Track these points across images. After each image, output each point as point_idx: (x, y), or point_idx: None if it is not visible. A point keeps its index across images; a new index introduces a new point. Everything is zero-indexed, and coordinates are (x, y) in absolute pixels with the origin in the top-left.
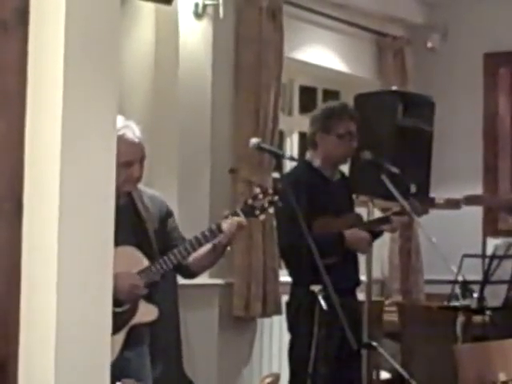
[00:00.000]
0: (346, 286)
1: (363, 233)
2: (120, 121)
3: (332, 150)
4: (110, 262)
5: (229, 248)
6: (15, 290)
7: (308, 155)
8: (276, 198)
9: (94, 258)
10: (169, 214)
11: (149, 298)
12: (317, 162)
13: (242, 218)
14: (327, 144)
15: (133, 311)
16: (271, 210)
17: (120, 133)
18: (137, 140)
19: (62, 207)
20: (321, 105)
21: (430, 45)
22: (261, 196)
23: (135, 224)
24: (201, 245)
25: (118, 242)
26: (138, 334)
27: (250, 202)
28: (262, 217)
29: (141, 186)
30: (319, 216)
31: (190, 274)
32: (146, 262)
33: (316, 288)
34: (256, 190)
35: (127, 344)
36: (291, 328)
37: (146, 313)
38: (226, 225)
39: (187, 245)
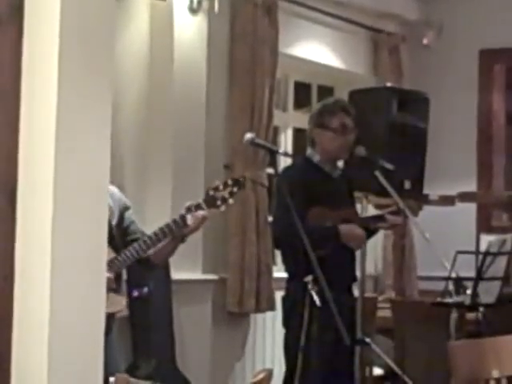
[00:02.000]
0: (342, 283)
1: (359, 229)
2: None
3: (328, 144)
4: (104, 255)
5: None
6: (9, 283)
7: (308, 152)
8: (236, 189)
9: (88, 250)
10: (126, 207)
11: (115, 290)
12: (316, 158)
13: (205, 212)
14: (323, 139)
15: None
16: (231, 201)
17: None
18: None
19: (56, 200)
20: (315, 101)
21: (425, 41)
22: (221, 187)
23: None
24: (165, 236)
25: None
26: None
27: (211, 193)
28: (223, 208)
29: None
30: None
31: (151, 266)
32: (111, 254)
33: (308, 279)
34: (216, 182)
35: None
36: (286, 322)
37: (114, 303)
38: (191, 218)
39: (152, 235)
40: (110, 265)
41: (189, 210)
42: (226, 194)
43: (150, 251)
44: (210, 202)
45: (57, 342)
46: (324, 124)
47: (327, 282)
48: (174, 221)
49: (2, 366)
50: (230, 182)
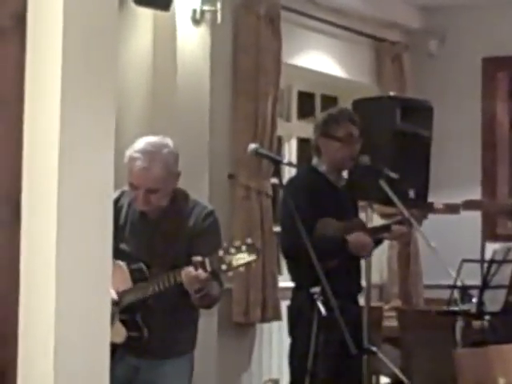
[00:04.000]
0: (348, 292)
1: (366, 238)
2: (151, 141)
3: (334, 153)
4: (109, 266)
5: (201, 293)
6: (14, 295)
7: (314, 161)
8: (247, 257)
9: (92, 261)
10: (202, 233)
11: (128, 321)
12: (322, 168)
13: (201, 272)
14: (329, 148)
15: None
16: (241, 269)
17: (135, 155)
18: (138, 168)
19: (60, 211)
20: (319, 111)
21: (428, 50)
22: (233, 251)
23: (156, 240)
24: (160, 289)
25: (131, 253)
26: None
27: (220, 253)
28: (230, 273)
29: (197, 200)
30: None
31: (201, 307)
32: (128, 283)
33: (316, 290)
34: (234, 242)
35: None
36: (292, 332)
37: (114, 334)
38: (183, 277)
39: (154, 284)
40: (122, 295)
41: (193, 264)
42: (234, 259)
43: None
44: (215, 264)
45: (62, 354)
46: (330, 133)
47: (333, 292)
48: (168, 276)
49: (8, 378)
50: (243, 247)
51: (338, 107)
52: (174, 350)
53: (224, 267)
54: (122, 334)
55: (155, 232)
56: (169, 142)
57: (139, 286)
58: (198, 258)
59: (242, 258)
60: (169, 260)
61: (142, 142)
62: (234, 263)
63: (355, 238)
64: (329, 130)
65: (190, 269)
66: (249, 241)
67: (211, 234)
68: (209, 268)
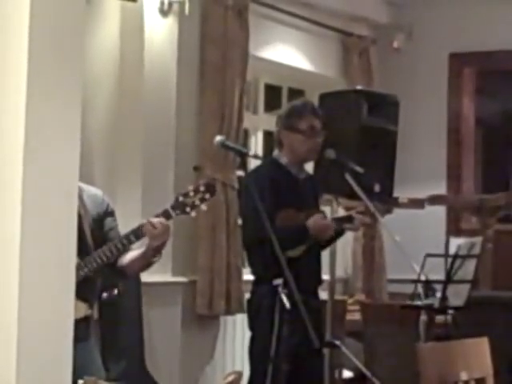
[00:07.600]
0: (307, 285)
1: (325, 220)
2: None
3: (296, 146)
4: (74, 256)
5: (160, 254)
6: None
7: (275, 153)
8: (208, 195)
9: (56, 251)
10: (108, 213)
11: (79, 295)
12: (283, 160)
13: (162, 219)
14: (291, 141)
15: None
16: (204, 207)
17: None
18: None
19: (25, 202)
20: (285, 104)
21: (395, 45)
22: (192, 193)
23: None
24: (125, 248)
25: None
26: (80, 329)
27: (180, 199)
28: (193, 214)
29: (82, 184)
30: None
31: (124, 275)
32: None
33: (278, 282)
34: (189, 187)
35: None
36: (252, 325)
37: (75, 309)
38: (147, 227)
39: (112, 247)
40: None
41: (156, 217)
42: (196, 200)
43: (124, 262)
44: (179, 207)
45: (25, 342)
46: (293, 126)
47: (294, 284)
48: (133, 230)
49: None
50: (201, 187)
51: (301, 99)
52: (93, 329)
53: (188, 209)
54: (80, 310)
55: None
56: None
57: (88, 259)
58: (159, 211)
59: (203, 197)
60: (88, 241)
61: None
62: (197, 203)
63: (314, 221)
64: (291, 122)
65: (154, 220)
66: (203, 180)
67: (112, 213)
68: (173, 214)
